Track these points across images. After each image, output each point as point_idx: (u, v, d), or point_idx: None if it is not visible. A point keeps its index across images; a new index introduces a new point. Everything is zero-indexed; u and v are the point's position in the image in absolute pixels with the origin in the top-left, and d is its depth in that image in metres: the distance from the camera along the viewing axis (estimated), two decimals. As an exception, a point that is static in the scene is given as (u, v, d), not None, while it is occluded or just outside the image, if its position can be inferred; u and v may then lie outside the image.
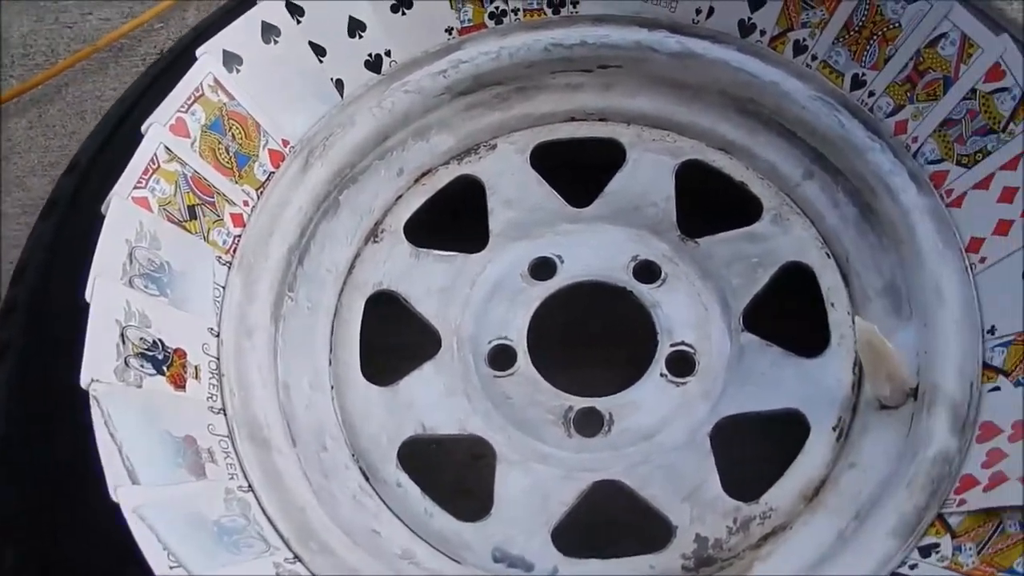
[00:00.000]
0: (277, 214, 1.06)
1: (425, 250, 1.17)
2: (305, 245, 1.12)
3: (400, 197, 1.21)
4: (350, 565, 0.88)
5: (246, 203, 1.05)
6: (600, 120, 1.24)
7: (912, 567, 0.82)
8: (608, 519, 1.06)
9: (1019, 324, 0.92)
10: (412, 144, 1.21)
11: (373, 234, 1.17)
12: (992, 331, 0.94)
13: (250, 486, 0.89)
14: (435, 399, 1.07)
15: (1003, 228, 0.96)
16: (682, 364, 1.09)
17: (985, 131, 1.00)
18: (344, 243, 1.15)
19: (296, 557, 0.86)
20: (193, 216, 0.99)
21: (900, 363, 0.95)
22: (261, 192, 1.06)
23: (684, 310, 1.12)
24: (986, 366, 0.93)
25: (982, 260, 0.98)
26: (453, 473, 1.20)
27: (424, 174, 1.22)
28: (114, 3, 1.74)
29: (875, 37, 1.09)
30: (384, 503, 1.00)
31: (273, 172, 1.08)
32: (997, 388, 0.91)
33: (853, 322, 1.03)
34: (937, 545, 0.83)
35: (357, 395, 1.06)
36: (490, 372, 1.09)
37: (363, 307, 1.13)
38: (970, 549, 0.80)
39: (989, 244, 0.98)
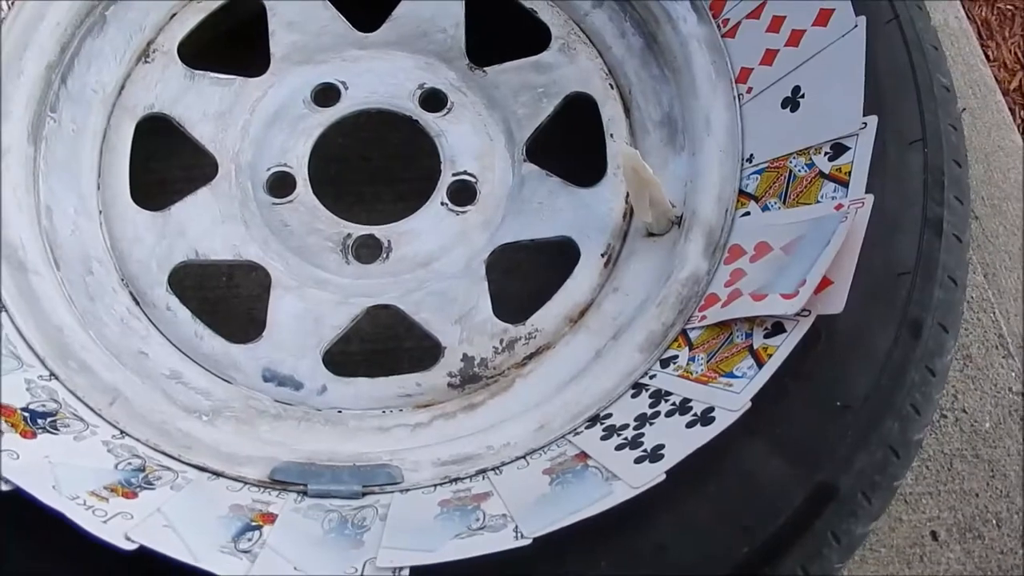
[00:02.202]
0: (32, 27, 1.07)
1: (201, 72, 1.20)
2: (68, 63, 1.13)
3: (174, 15, 1.22)
4: (110, 384, 0.94)
5: (-4, 14, 1.06)
6: (388, -59, 1.27)
7: (651, 376, 0.95)
8: (384, 344, 1.15)
9: (773, 151, 1.02)
10: (186, -42, 1.22)
11: (144, 54, 1.19)
12: (750, 159, 1.05)
13: (2, 306, 0.94)
14: (209, 225, 1.12)
15: (769, 58, 1.06)
16: (463, 193, 1.17)
17: (762, -42, 1.08)
18: (112, 62, 1.17)
19: (52, 375, 0.93)
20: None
21: (662, 191, 1.06)
22: (11, 3, 1.07)
23: (469, 140, 1.20)
24: (741, 192, 1.04)
25: (749, 90, 1.08)
26: (242, 305, 1.28)
27: (200, -9, 1.24)
28: None
29: None
30: (154, 325, 1.06)
31: (24, -18, 1.08)
32: (748, 213, 1.02)
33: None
34: (676, 357, 0.95)
35: (126, 220, 1.11)
36: (268, 199, 1.15)
37: (133, 130, 1.16)
38: (701, 359, 0.92)
39: (756, 74, 1.07)
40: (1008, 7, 1.86)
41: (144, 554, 0.72)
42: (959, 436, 1.31)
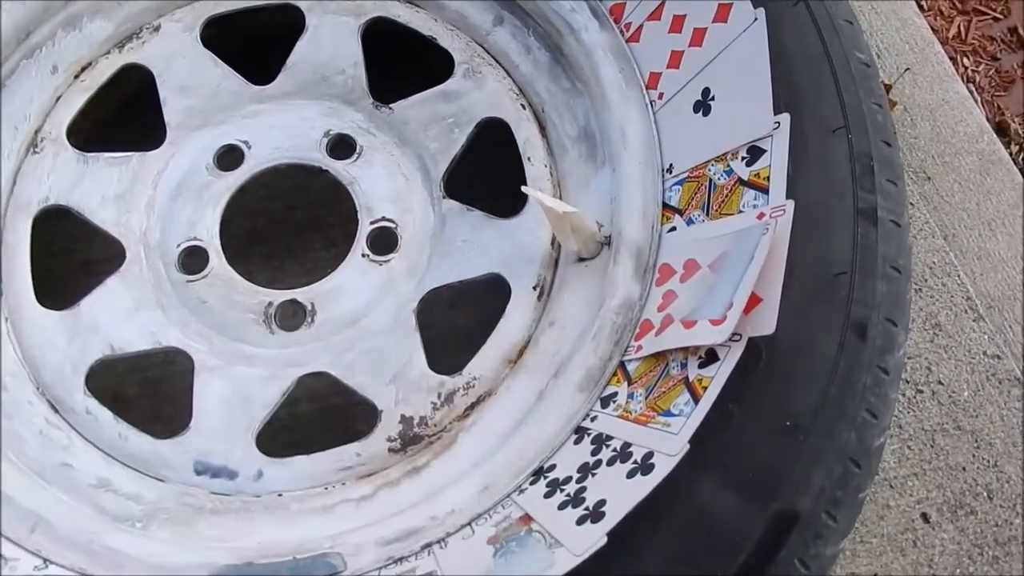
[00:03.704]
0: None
1: (95, 154, 1.17)
2: (-48, 165, 1.10)
3: (60, 98, 1.19)
4: (30, 509, 0.91)
5: None
6: (272, -14, 1.25)
7: (593, 419, 0.91)
8: (315, 413, 1.12)
9: (691, 159, 0.99)
10: (63, 36, 1.19)
11: (32, 144, 1.16)
12: (670, 169, 1.02)
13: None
14: (122, 315, 1.09)
15: (675, 60, 1.03)
16: (384, 241, 1.14)
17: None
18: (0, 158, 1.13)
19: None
20: None
21: (583, 217, 1.02)
22: None
23: (383, 183, 1.17)
24: (665, 206, 1.01)
25: (660, 96, 1.05)
26: (187, 378, 1.24)
27: (83, 69, 1.21)
28: None
29: None
30: (76, 431, 1.03)
31: None
32: (674, 228, 0.99)
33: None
34: (615, 394, 0.92)
35: (34, 324, 1.08)
36: (182, 277, 1.12)
37: (30, 228, 1.12)
38: (640, 395, 0.89)
39: (665, 78, 1.05)
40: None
41: None
42: (938, 410, 1.28)
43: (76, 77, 1.20)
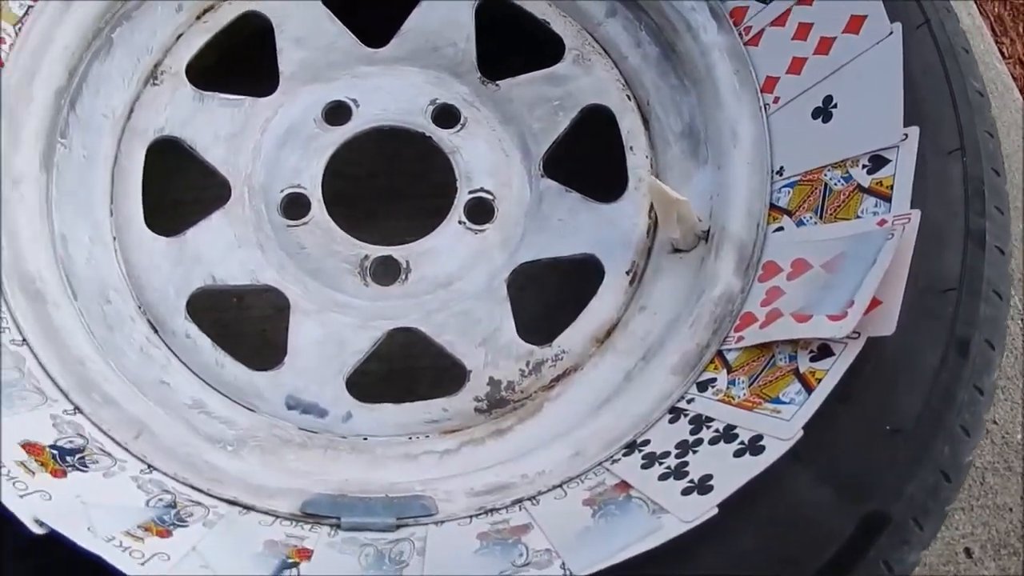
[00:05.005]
0: (40, 53, 1.06)
1: (210, 93, 1.19)
2: (77, 87, 1.12)
3: (180, 36, 1.21)
4: (135, 416, 0.93)
5: (2, 40, 1.04)
6: (395, -47, 1.27)
7: (689, 401, 0.93)
8: (405, 367, 1.14)
9: (805, 164, 1.01)
10: (191, -23, 1.21)
11: (152, 76, 1.18)
12: (780, 172, 1.04)
13: (24, 339, 0.93)
14: (225, 249, 1.11)
15: (796, 66, 1.05)
16: (481, 211, 1.16)
17: (784, -37, 1.07)
18: (120, 86, 1.16)
19: (76, 409, 0.91)
20: (-57, 54, 0.98)
21: (691, 207, 1.04)
22: (20, 28, 1.06)
23: (484, 156, 1.19)
24: (772, 207, 1.03)
25: (775, 100, 1.07)
26: (255, 326, 1.26)
27: (206, 11, 1.23)
28: None
29: None
30: (173, 354, 1.05)
31: (32, 6, 1.07)
32: (781, 228, 1.01)
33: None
34: (714, 380, 0.94)
35: (141, 247, 1.10)
36: (283, 221, 1.14)
37: (144, 155, 1.14)
38: (742, 382, 0.91)
39: (783, 83, 1.06)
40: (1022, 2, 1.86)
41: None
42: (991, 449, 1.30)
43: (198, 18, 1.22)
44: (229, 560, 0.79)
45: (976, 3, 1.71)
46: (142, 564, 0.74)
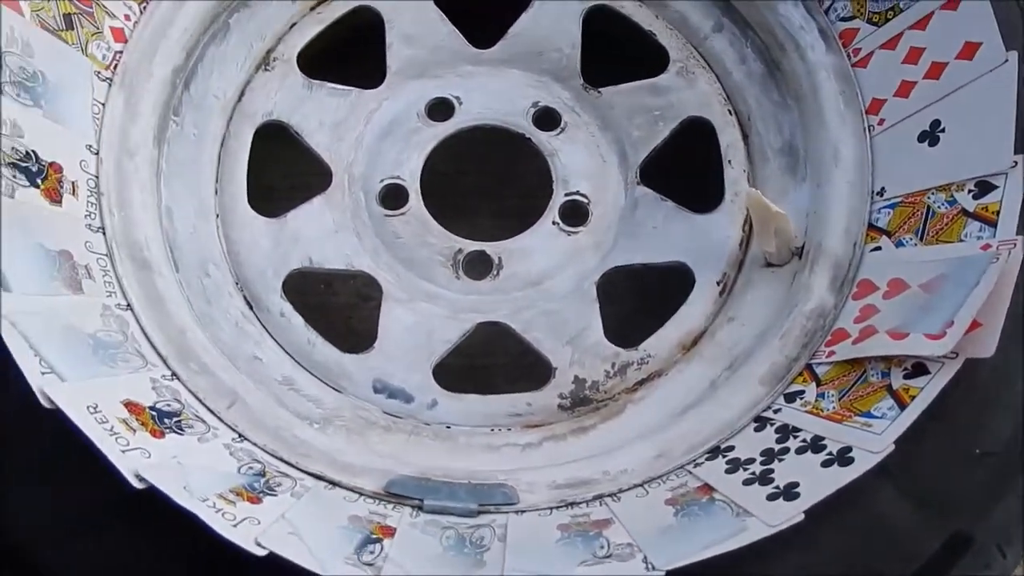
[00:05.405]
0: (161, 32, 1.09)
1: (319, 82, 1.21)
2: (192, 68, 1.15)
3: (294, 25, 1.24)
4: (229, 386, 0.95)
5: (127, 17, 1.08)
6: (508, -41, 1.28)
7: (776, 411, 0.93)
8: (491, 360, 1.15)
9: (908, 186, 1.01)
10: (308, -31, 1.24)
11: (265, 62, 1.21)
12: (881, 192, 1.03)
13: (129, 305, 0.96)
14: (323, 233, 1.14)
15: (905, 90, 1.04)
16: (575, 214, 1.17)
17: (898, -13, 1.07)
18: (234, 69, 1.19)
19: (174, 375, 0.94)
20: (69, 26, 1.02)
21: (789, 222, 1.04)
22: (144, 7, 1.09)
23: (582, 160, 1.20)
24: (871, 226, 1.02)
25: (880, 122, 1.06)
26: (340, 313, 1.28)
27: (320, 2, 1.25)
28: None
29: None
30: (267, 331, 1.08)
31: (156, -12, 1.10)
32: (879, 248, 1.00)
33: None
34: (802, 392, 0.94)
35: (243, 225, 1.13)
36: (381, 211, 1.16)
37: (252, 137, 1.17)
38: (832, 395, 0.91)
39: (889, 106, 1.06)
40: None
41: (271, 561, 0.72)
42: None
43: (312, 9, 1.24)
44: (316, 530, 0.80)
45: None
46: (234, 526, 0.76)
